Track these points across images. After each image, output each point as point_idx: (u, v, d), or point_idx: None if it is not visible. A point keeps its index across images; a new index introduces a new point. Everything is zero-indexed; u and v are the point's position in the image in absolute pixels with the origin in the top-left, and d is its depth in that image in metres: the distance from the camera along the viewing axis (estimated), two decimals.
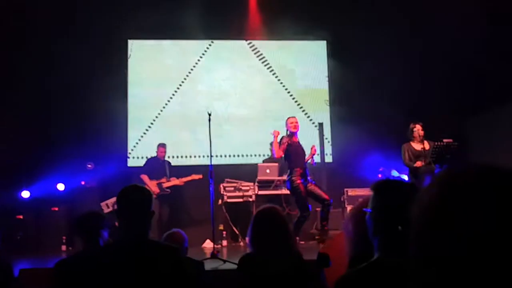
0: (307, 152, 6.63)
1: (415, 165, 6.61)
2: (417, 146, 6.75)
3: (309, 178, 6.47)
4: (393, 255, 1.55)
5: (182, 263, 2.34)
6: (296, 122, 6.58)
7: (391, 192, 1.63)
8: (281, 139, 6.51)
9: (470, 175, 0.78)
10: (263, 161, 8.58)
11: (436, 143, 6.34)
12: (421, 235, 0.80)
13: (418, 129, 6.78)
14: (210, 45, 9.49)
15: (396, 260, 1.52)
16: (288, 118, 6.71)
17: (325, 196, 6.39)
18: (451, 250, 0.73)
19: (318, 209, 8.08)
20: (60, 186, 7.99)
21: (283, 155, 6.45)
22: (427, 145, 6.65)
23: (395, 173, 8.15)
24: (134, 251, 2.26)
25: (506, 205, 0.72)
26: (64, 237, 7.52)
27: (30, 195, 7.82)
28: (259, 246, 2.65)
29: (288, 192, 7.75)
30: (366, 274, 1.53)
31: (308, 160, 6.63)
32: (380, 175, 8.37)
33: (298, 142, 6.56)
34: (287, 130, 6.58)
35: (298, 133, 6.58)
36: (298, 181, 6.27)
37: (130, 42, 9.23)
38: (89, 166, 8.09)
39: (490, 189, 0.74)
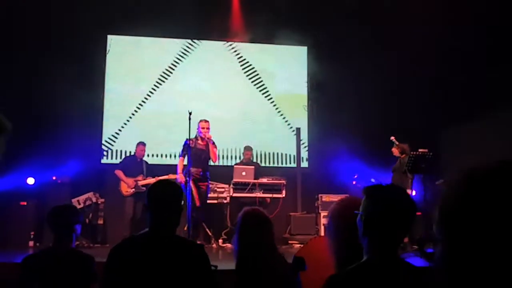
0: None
1: None
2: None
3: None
4: (381, 256, 1.63)
5: (208, 260, 2.31)
6: (208, 128, 6.91)
7: (381, 196, 1.71)
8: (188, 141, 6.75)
9: (492, 169, 0.80)
10: (238, 163, 8.56)
11: (412, 153, 6.43)
12: (450, 229, 0.80)
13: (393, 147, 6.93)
14: (191, 44, 9.43)
15: (384, 261, 1.62)
16: (201, 121, 6.98)
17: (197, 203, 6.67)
18: (480, 240, 0.74)
19: (292, 214, 8.12)
20: (30, 180, 7.79)
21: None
22: (402, 158, 6.76)
23: (373, 181, 8.23)
24: (161, 246, 2.24)
25: None
26: (32, 233, 7.33)
27: None
28: (246, 246, 2.62)
29: (263, 195, 7.77)
30: (355, 275, 1.59)
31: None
32: (354, 182, 8.44)
33: (205, 146, 6.91)
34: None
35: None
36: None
37: (109, 37, 9.10)
38: (54, 178, 7.92)
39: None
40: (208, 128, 6.87)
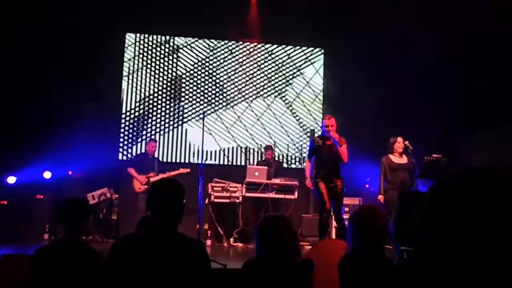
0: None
1: (379, 196, 6.60)
2: (396, 159, 6.71)
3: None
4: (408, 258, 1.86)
5: (208, 257, 2.33)
6: (332, 126, 6.06)
7: (410, 204, 1.84)
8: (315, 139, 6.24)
9: (457, 180, 0.93)
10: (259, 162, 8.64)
11: (425, 158, 6.38)
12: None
13: (398, 142, 6.75)
14: (207, 44, 9.49)
15: (413, 266, 1.73)
16: (324, 118, 6.24)
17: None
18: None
19: (304, 215, 8.12)
20: (47, 174, 7.92)
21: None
22: (405, 159, 6.67)
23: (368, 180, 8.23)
24: (161, 242, 2.27)
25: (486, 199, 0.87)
26: (47, 226, 7.46)
27: (16, 181, 7.75)
28: (266, 252, 2.58)
29: (275, 196, 7.78)
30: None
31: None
32: (367, 185, 8.41)
33: (331, 144, 6.09)
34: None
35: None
36: (318, 179, 6.01)
37: (128, 35, 9.21)
38: (70, 173, 8.04)
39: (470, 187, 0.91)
40: (332, 126, 6.03)
